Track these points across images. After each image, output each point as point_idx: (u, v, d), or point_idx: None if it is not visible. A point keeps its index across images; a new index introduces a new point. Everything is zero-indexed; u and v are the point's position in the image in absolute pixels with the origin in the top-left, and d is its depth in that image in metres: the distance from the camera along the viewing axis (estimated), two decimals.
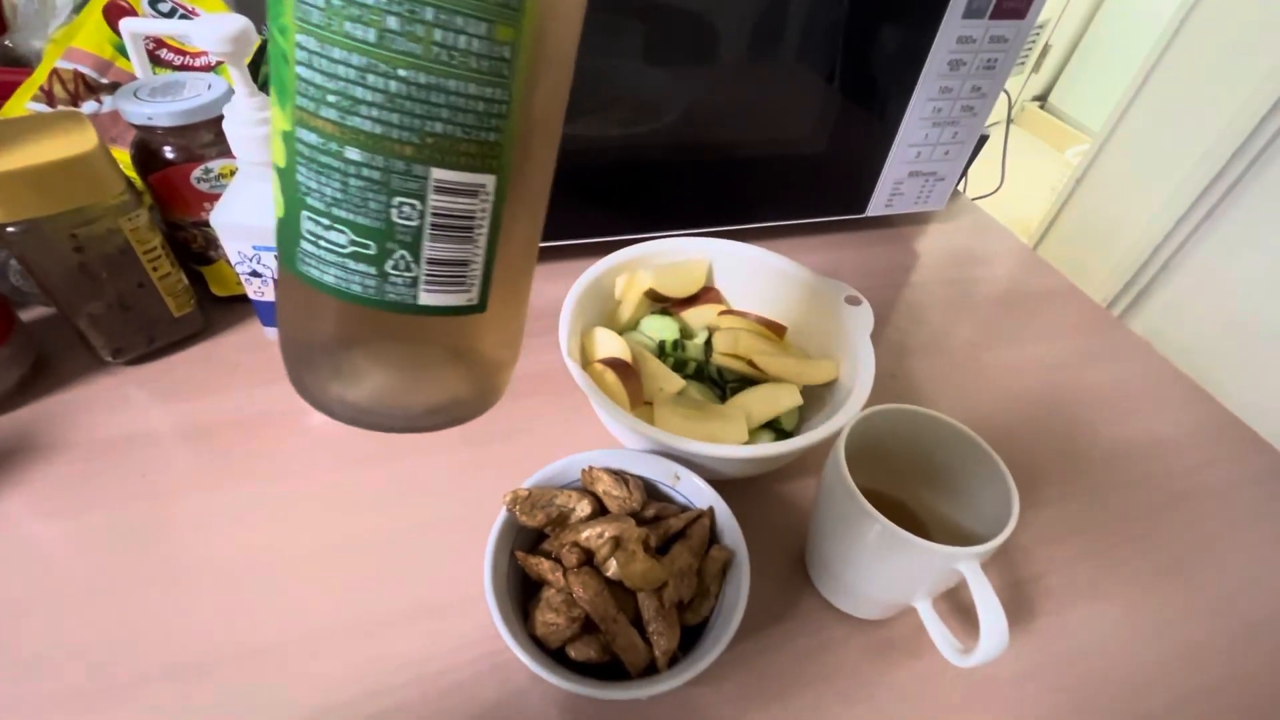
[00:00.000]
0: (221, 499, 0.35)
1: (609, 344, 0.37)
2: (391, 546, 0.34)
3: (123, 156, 0.40)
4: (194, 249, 0.42)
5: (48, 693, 0.27)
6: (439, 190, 0.17)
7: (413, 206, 0.17)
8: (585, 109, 0.44)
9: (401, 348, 0.20)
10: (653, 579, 0.26)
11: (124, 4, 0.43)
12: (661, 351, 0.41)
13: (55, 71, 0.42)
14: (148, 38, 0.43)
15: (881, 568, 0.28)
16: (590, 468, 0.30)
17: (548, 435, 0.40)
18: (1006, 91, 0.59)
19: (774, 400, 0.36)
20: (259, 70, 0.45)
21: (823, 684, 0.31)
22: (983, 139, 0.60)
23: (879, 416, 0.31)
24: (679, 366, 0.40)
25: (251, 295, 0.40)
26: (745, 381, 0.39)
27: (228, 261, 0.42)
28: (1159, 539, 0.39)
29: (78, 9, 0.44)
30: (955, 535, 0.32)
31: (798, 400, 0.37)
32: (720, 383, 0.40)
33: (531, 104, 0.17)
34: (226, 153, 0.38)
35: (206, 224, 0.40)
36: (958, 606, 0.34)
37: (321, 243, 0.17)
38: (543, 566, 0.27)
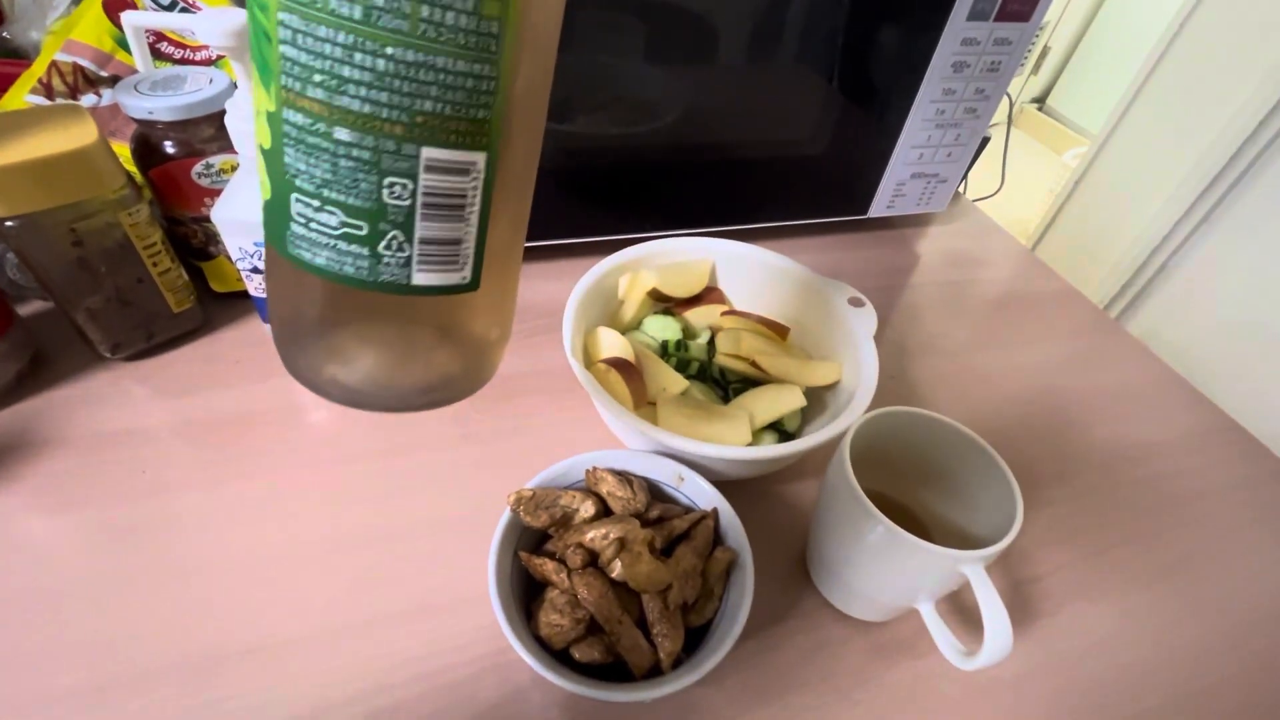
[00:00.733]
0: (220, 496, 0.35)
1: (612, 344, 0.37)
2: (392, 544, 0.33)
3: (122, 150, 0.39)
4: (194, 244, 0.41)
5: (45, 690, 0.27)
6: (430, 169, 0.16)
7: (404, 186, 0.16)
8: (589, 108, 0.44)
9: (394, 328, 0.20)
10: (658, 581, 0.26)
11: None
12: (664, 351, 0.41)
13: (54, 64, 0.41)
14: (149, 31, 0.43)
15: (885, 570, 0.28)
16: (594, 468, 0.30)
17: (549, 433, 0.40)
18: (1008, 94, 0.59)
19: (777, 401, 0.36)
20: None
21: (823, 684, 0.31)
22: (984, 140, 0.60)
23: (883, 419, 0.31)
24: (682, 367, 0.40)
25: (252, 292, 0.40)
26: (748, 382, 0.39)
27: (228, 257, 0.41)
28: (1157, 541, 0.39)
29: (76, 1, 0.44)
30: (955, 536, 0.32)
31: (801, 402, 0.37)
32: (723, 383, 0.40)
33: (519, 80, 0.17)
34: (228, 148, 0.38)
35: (207, 219, 0.40)
36: (958, 607, 0.34)
37: (312, 225, 0.17)
38: (547, 567, 0.27)
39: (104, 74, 0.43)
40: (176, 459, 0.36)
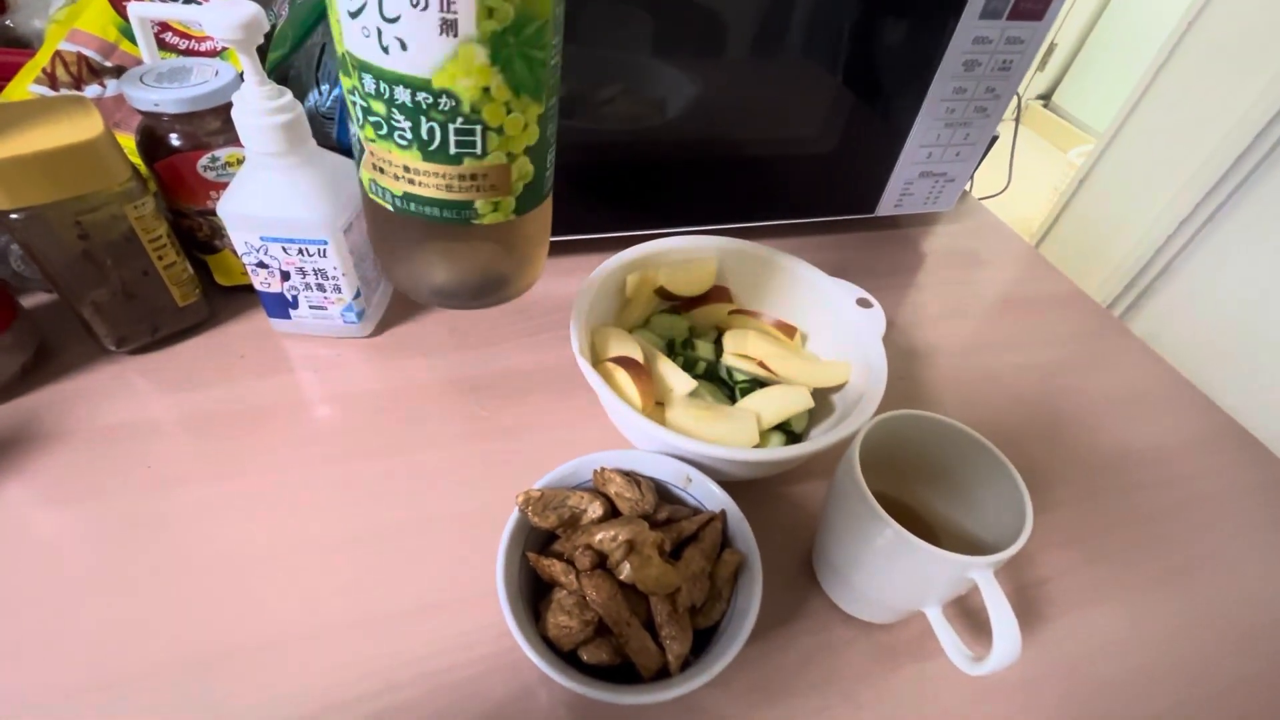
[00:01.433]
0: (225, 491, 0.34)
1: (620, 342, 0.37)
2: (397, 541, 0.33)
3: (127, 141, 0.39)
4: (199, 238, 0.41)
5: (46, 685, 0.27)
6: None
7: None
8: (598, 103, 0.44)
9: (458, 246, 0.28)
10: (667, 583, 0.26)
11: None
12: (671, 350, 0.40)
13: (58, 53, 0.41)
14: (154, 21, 0.42)
15: (893, 574, 0.28)
16: (602, 469, 0.30)
17: (555, 430, 0.39)
18: (1017, 92, 0.58)
19: (785, 403, 0.36)
20: (266, 57, 0.44)
21: (829, 686, 0.31)
22: (993, 139, 0.60)
23: (891, 422, 0.31)
24: (689, 366, 0.39)
25: (258, 286, 0.39)
26: (755, 382, 0.39)
27: (233, 251, 0.41)
28: (1163, 545, 0.39)
29: None
30: (960, 537, 0.32)
31: (809, 403, 0.36)
32: (729, 383, 0.40)
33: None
34: (234, 141, 0.38)
35: (212, 213, 0.39)
36: (964, 610, 0.34)
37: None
38: (555, 569, 0.27)
39: (108, 64, 0.43)
40: (181, 453, 0.36)
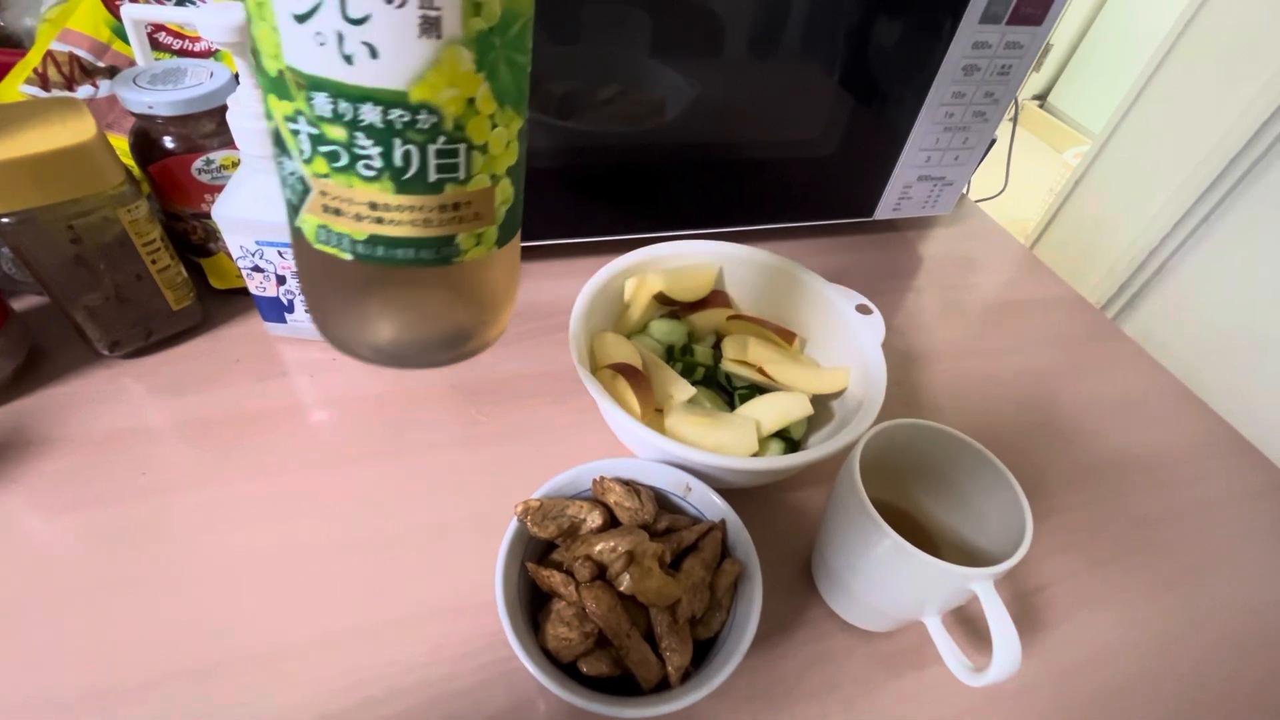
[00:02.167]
0: (220, 496, 0.34)
1: (619, 349, 0.37)
2: (394, 549, 0.33)
3: (120, 143, 0.39)
4: (193, 241, 0.41)
5: (43, 694, 0.27)
6: None
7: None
8: (595, 104, 0.44)
9: (418, 293, 0.23)
10: (668, 596, 0.26)
11: None
12: (669, 356, 0.40)
13: (50, 53, 0.40)
14: (148, 23, 0.42)
15: (892, 583, 0.28)
16: (602, 478, 0.30)
17: (553, 436, 0.39)
18: (1015, 96, 0.58)
19: (785, 409, 0.36)
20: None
21: (828, 694, 0.31)
22: (991, 142, 0.59)
23: (891, 431, 0.31)
24: (687, 371, 0.39)
25: (253, 290, 0.39)
26: (754, 388, 0.39)
27: (228, 254, 0.41)
28: (1161, 551, 0.39)
29: None
30: (960, 546, 0.32)
31: (808, 410, 0.36)
32: (728, 389, 0.40)
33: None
34: (228, 143, 0.37)
35: (207, 216, 0.39)
36: (963, 618, 0.34)
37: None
38: (554, 579, 0.27)
39: (101, 64, 0.42)
40: (176, 459, 0.35)
